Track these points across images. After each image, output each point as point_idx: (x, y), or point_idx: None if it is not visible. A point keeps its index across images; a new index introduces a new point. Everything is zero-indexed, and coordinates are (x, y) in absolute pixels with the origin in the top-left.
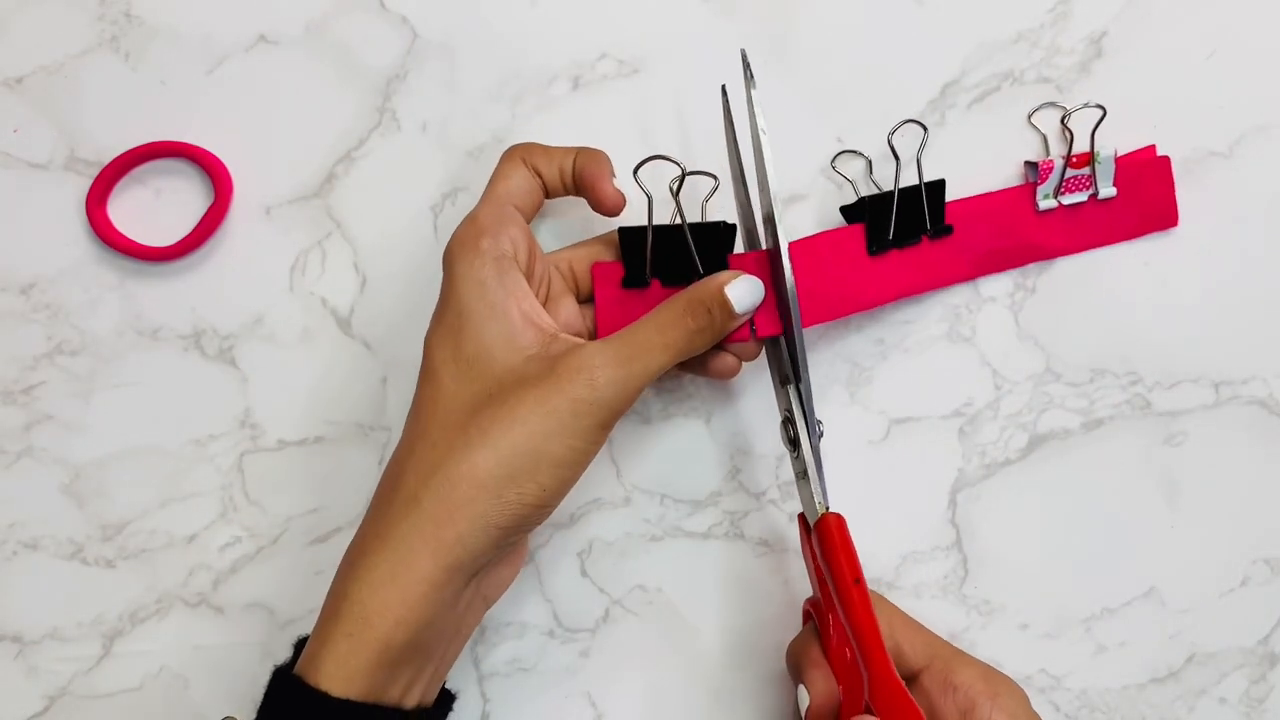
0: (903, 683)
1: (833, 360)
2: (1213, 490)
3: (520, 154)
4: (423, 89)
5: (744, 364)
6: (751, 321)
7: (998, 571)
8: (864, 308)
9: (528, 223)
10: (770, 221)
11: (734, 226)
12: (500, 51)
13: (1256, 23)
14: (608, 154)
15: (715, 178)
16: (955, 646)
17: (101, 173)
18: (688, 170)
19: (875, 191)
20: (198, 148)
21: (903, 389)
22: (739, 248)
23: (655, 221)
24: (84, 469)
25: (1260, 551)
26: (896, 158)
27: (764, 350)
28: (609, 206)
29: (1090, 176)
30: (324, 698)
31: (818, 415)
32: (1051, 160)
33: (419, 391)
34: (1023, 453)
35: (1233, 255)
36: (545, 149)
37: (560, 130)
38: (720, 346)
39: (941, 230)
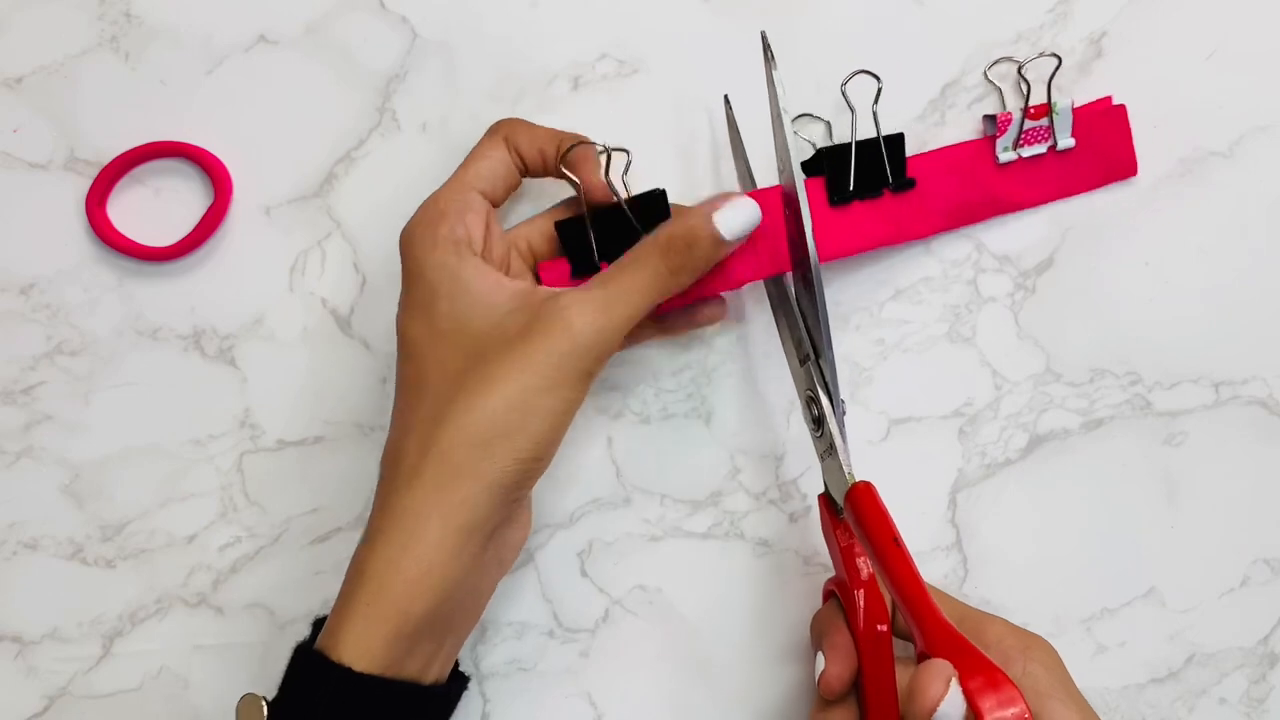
0: (955, 627)
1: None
2: (1213, 490)
3: (504, 131)
4: (422, 89)
5: (744, 364)
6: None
7: (998, 571)
8: (829, 258)
9: (499, 203)
10: (793, 202)
11: (665, 191)
12: (500, 51)
13: (1256, 23)
14: (593, 143)
15: (627, 151)
16: (981, 610)
17: (101, 173)
18: (605, 147)
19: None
20: (197, 148)
21: (903, 389)
22: None
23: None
24: (84, 469)
25: (1260, 551)
26: (851, 108)
27: (780, 333)
28: (596, 199)
29: (1049, 128)
30: (345, 672)
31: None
32: (1009, 113)
33: (400, 371)
34: (1023, 453)
35: (1233, 255)
36: (530, 128)
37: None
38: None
39: (904, 183)
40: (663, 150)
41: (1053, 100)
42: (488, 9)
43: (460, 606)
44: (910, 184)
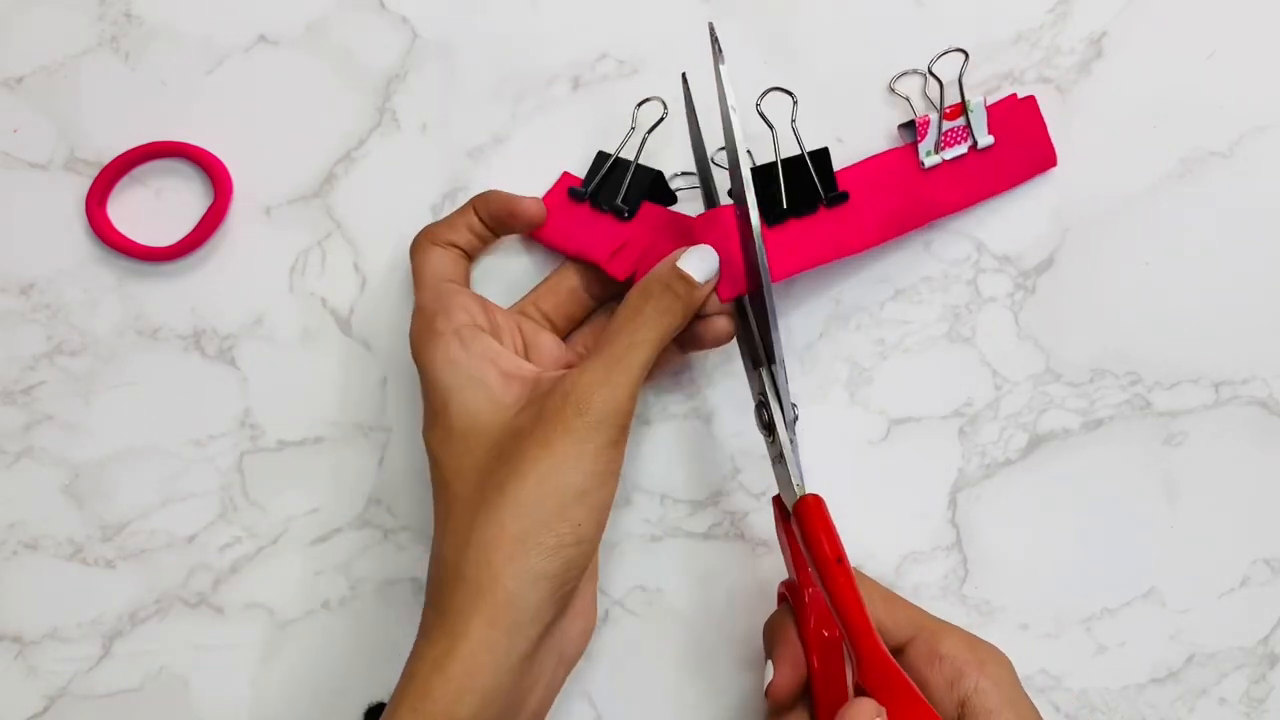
0: (893, 659)
1: (832, 360)
2: (1213, 490)
3: (424, 240)
4: (423, 89)
5: (743, 365)
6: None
7: (998, 572)
8: (775, 279)
9: (467, 287)
10: (742, 200)
11: (660, 175)
12: (500, 51)
13: (1256, 23)
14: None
15: (664, 103)
16: (937, 618)
17: (101, 173)
18: (644, 99)
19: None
20: (198, 148)
21: (903, 389)
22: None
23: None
24: (84, 469)
25: (1260, 551)
26: (770, 126)
27: (737, 338)
28: (533, 216)
29: (966, 127)
30: None
31: (801, 405)
32: (926, 116)
33: (432, 483)
34: (1023, 453)
35: (1233, 255)
36: (441, 224)
37: (560, 130)
38: (699, 317)
39: (836, 197)
40: (662, 150)
41: (965, 98)
42: (488, 9)
43: (513, 706)
44: (843, 197)
